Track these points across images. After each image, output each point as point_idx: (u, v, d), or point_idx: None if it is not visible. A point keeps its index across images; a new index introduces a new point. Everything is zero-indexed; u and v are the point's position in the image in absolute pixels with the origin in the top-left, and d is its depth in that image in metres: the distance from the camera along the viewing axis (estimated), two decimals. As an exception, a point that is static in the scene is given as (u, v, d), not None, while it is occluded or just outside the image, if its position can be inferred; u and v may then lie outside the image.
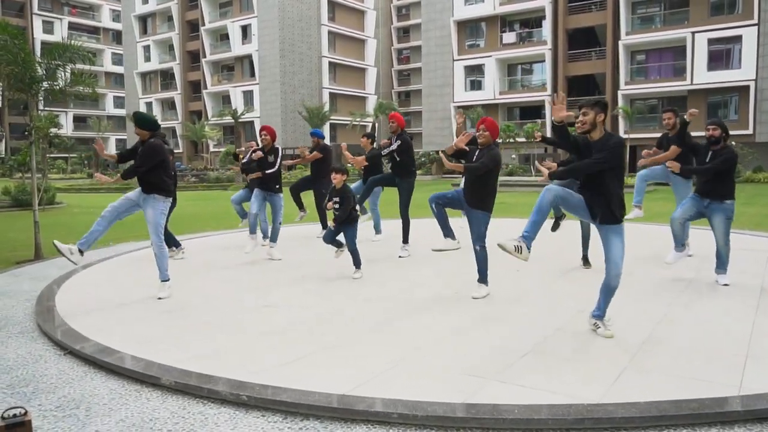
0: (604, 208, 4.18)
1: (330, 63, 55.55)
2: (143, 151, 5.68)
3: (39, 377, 3.95)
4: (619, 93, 36.55)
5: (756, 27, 32.65)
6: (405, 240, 7.92)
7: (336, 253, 6.89)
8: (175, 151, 59.37)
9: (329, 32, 55.48)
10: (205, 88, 56.37)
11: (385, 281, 6.58)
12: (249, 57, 53.36)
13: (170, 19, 59.61)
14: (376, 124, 48.95)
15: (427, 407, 3.18)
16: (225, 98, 55.24)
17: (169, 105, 60.82)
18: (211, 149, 53.00)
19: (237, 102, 52.16)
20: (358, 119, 45.95)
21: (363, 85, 59.78)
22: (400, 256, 7.79)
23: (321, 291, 6.17)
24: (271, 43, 51.62)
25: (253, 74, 53.28)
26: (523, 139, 36.24)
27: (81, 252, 5.51)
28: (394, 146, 7.68)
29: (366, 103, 59.15)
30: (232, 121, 43.22)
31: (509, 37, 42.01)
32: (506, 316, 5.04)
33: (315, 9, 54.33)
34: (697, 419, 3.09)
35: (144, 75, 62.09)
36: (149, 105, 60.00)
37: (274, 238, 7.94)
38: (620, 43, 36.34)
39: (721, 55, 34.09)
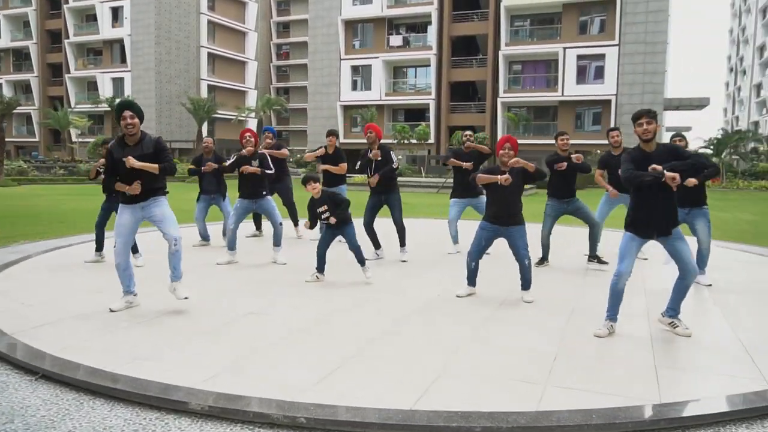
0: (672, 216, 4.38)
1: (209, 54, 53.14)
2: (163, 147, 5.02)
3: (20, 410, 3.25)
4: (499, 100, 38.68)
5: (617, 47, 36.16)
6: (402, 244, 7.74)
7: (312, 275, 6.39)
8: (31, 139, 53.92)
9: (209, 21, 53.03)
10: (68, 72, 51.40)
11: (372, 285, 6.27)
12: (120, 41, 49.51)
13: (26, -8, 53.68)
14: (263, 120, 47.59)
15: (508, 417, 3.05)
16: (91, 84, 50.77)
17: (23, 88, 54.62)
18: (74, 138, 48.38)
19: (105, 89, 48.16)
20: (244, 114, 44.34)
21: (243, 79, 57.85)
22: (402, 260, 7.60)
23: (312, 293, 5.78)
24: (146, 28, 48.29)
25: (124, 60, 49.50)
26: (415, 141, 37.16)
27: (134, 294, 5.23)
28: (395, 161, 7.43)
29: (246, 97, 57.29)
30: (101, 109, 39.78)
31: (396, 39, 42.77)
32: (510, 319, 5.02)
33: (194, -4, 51.67)
34: (750, 413, 3.25)
35: (-9, 53, 55.32)
36: (-2, 87, 53.53)
37: (278, 242, 7.37)
38: (500, 53, 38.45)
39: (588, 71, 37.31)
